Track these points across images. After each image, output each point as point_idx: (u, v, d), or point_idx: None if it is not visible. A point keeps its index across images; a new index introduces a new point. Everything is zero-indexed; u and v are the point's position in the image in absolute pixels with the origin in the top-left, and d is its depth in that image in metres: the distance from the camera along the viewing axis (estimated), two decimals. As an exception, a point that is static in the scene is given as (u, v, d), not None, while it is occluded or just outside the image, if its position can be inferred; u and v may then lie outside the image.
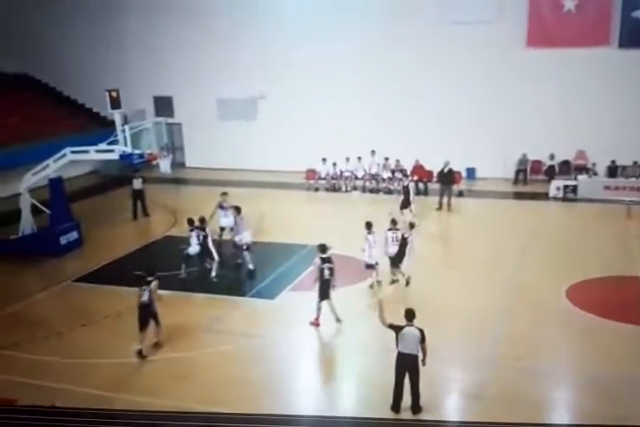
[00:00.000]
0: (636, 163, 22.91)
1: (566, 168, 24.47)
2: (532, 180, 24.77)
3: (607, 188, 22.26)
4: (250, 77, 27.09)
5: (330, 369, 11.76)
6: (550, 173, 24.24)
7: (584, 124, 23.60)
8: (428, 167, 23.76)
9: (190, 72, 28.16)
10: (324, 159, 24.94)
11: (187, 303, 14.21)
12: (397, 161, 24.15)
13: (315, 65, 26.27)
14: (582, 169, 23.83)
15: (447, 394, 10.64)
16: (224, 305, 14.15)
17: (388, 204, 20.23)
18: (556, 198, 22.44)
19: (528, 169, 24.93)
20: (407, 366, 9.62)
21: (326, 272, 12.69)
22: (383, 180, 24.33)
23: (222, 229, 17.64)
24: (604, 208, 20.96)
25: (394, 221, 14.94)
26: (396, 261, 14.67)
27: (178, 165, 29.09)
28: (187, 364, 11.49)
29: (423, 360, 9.65)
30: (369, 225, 14.53)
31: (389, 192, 23.54)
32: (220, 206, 17.50)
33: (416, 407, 9.76)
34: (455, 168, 22.20)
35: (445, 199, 21.42)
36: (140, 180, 21.48)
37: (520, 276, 15.23)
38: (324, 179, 25.04)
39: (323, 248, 12.90)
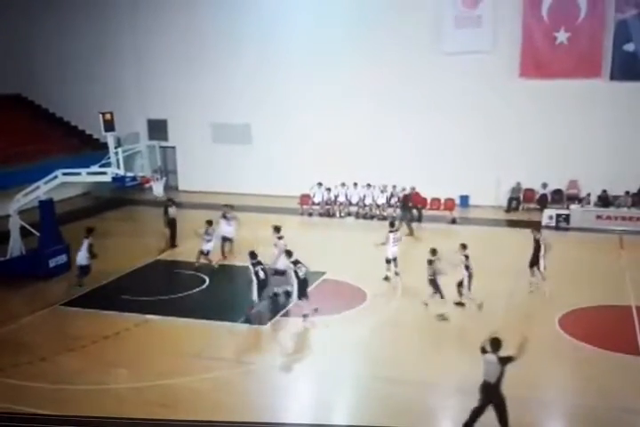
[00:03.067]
0: (627, 193, 23.02)
1: (558, 197, 24.58)
2: (524, 208, 24.85)
3: (599, 217, 22.32)
4: (244, 101, 27.25)
5: (321, 398, 11.50)
6: (543, 202, 24.33)
7: (576, 154, 23.78)
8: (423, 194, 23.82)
9: (185, 95, 28.28)
10: (319, 184, 24.97)
11: (176, 328, 13.96)
12: (394, 187, 24.25)
13: (311, 91, 26.44)
14: (574, 198, 23.93)
15: (438, 423, 10.49)
16: (215, 331, 13.90)
17: (381, 230, 20.10)
18: (548, 227, 22.39)
19: (521, 197, 25.06)
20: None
21: (261, 273, 14.00)
22: (377, 206, 24.31)
23: (224, 239, 18.35)
24: (596, 237, 21.00)
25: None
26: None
27: (171, 188, 29.01)
28: (174, 391, 11.22)
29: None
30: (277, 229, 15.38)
31: (384, 218, 23.48)
32: (224, 216, 18.49)
33: None
34: (449, 195, 22.18)
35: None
36: (174, 208, 20.52)
37: (513, 303, 15.12)
38: (319, 204, 25.02)
39: (252, 254, 14.21)
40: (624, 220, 21.90)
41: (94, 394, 11.17)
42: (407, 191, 23.12)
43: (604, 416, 10.23)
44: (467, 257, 14.49)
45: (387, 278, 16.52)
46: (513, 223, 23.43)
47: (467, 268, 14.36)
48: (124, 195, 26.37)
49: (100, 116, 17.25)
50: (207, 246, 17.75)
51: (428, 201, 23.92)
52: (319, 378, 12.00)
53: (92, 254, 16.26)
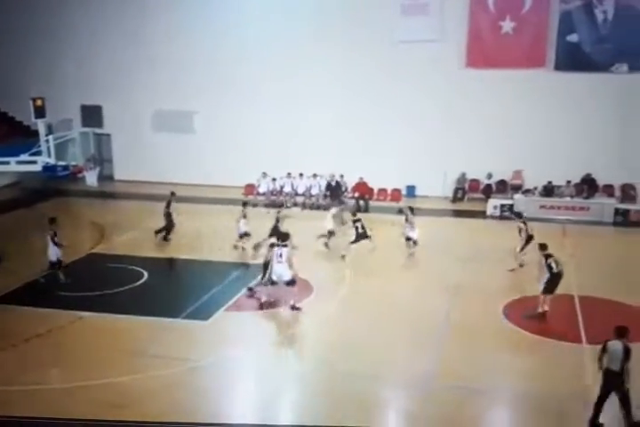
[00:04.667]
0: (569, 182, 23.31)
1: (503, 187, 24.74)
2: (469, 198, 24.91)
3: (542, 207, 22.55)
4: (188, 89, 26.27)
5: (267, 393, 10.98)
6: (487, 192, 24.43)
7: (521, 145, 23.92)
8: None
9: (122, 81, 27.00)
10: (264, 174, 24.37)
11: (114, 325, 13.16)
12: (342, 176, 23.89)
13: (257, 80, 25.67)
14: (518, 188, 24.10)
15: (386, 414, 10.28)
16: (155, 327, 13.16)
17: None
18: (493, 217, 22.60)
19: (466, 187, 25.12)
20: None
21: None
22: (325, 196, 23.88)
23: (243, 235, 17.80)
24: (539, 226, 21.05)
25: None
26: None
27: (105, 177, 27.81)
28: (122, 390, 10.52)
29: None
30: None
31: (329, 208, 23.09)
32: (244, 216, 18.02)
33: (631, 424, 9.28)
34: (396, 186, 22.02)
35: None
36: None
37: (458, 294, 14.99)
38: (264, 194, 24.39)
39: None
40: (567, 209, 22.20)
41: (38, 394, 10.39)
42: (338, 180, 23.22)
43: (548, 404, 10.15)
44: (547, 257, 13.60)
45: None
46: (458, 213, 23.52)
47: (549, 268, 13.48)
48: (55, 185, 25.04)
49: (31, 101, 16.23)
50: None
51: (375, 191, 23.70)
52: (267, 374, 11.49)
53: (59, 245, 15.15)
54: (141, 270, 16.34)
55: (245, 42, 25.48)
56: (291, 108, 25.55)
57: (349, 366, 11.34)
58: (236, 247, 17.90)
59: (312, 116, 25.38)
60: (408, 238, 17.89)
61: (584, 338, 12.40)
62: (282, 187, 24.41)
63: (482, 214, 22.85)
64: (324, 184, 24.09)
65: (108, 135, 28.23)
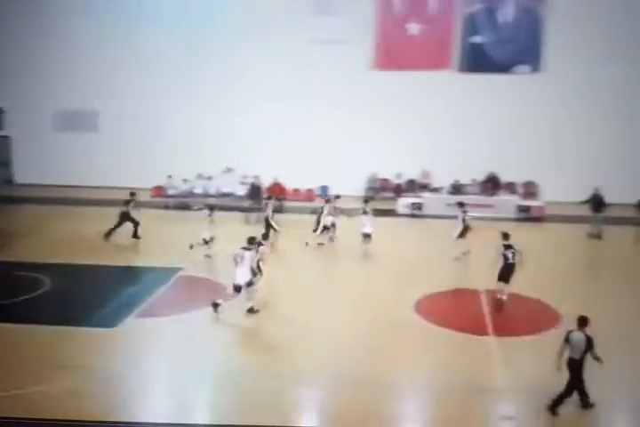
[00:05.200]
0: (474, 180, 24.12)
1: (412, 186, 25.28)
2: (380, 197, 25.30)
3: (450, 205, 23.17)
4: (91, 88, 25.27)
5: (184, 401, 10.65)
6: (397, 191, 24.91)
7: (429, 145, 24.56)
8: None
9: (23, 81, 25.64)
10: (169, 176, 23.81)
11: (16, 335, 12.39)
12: (256, 177, 23.64)
13: (163, 79, 25.10)
14: (427, 187, 24.72)
15: (302, 413, 10.20)
16: (60, 336, 12.49)
17: (240, 222, 19.58)
18: (403, 215, 23.04)
19: (377, 186, 25.47)
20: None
21: None
22: (239, 197, 23.60)
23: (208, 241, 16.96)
24: (447, 224, 21.66)
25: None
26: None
27: (4, 181, 26.28)
28: (27, 402, 9.87)
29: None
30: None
31: (245, 210, 22.87)
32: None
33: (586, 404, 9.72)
34: (309, 186, 22.09)
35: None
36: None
37: (369, 290, 15.18)
38: (174, 196, 23.80)
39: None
40: (473, 206, 22.85)
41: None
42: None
43: (458, 397, 10.34)
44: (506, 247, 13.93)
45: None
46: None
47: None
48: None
49: None
50: None
51: (289, 192, 23.66)
52: (180, 379, 11.13)
53: None
54: (44, 277, 15.51)
55: (152, 41, 24.81)
56: (201, 108, 25.11)
57: (265, 367, 11.20)
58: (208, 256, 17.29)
59: (223, 117, 25.05)
60: (366, 235, 17.91)
61: (490, 330, 12.80)
62: (193, 188, 23.90)
63: (393, 213, 23.27)
64: (243, 186, 23.75)
65: (7, 137, 26.72)
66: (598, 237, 20.05)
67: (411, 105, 24.47)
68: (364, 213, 18.44)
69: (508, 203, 23.10)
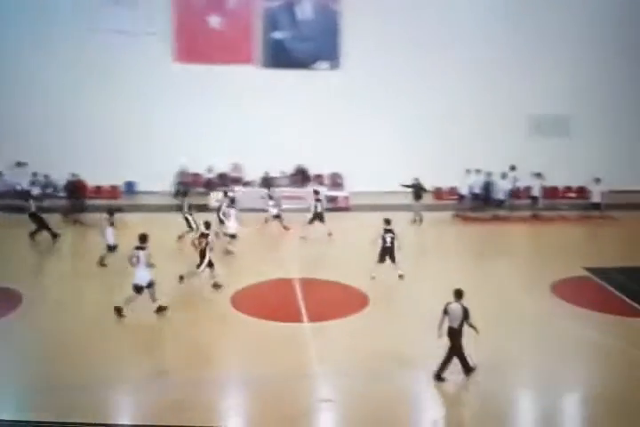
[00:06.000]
0: (284, 173, 24.42)
1: (224, 180, 24.98)
2: (192, 192, 24.62)
3: (262, 198, 23.20)
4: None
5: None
6: (209, 186, 24.45)
7: (238, 138, 24.37)
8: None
9: None
10: None
11: None
12: (46, 176, 22.01)
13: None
14: (238, 181, 24.55)
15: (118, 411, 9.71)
16: None
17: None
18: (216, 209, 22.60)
19: (188, 181, 24.79)
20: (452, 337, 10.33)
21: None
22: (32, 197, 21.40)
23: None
24: (259, 217, 21.73)
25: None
26: None
27: None
28: None
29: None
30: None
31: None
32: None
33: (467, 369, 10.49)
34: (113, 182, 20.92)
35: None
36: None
37: (191, 284, 14.74)
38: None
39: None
40: (284, 198, 23.09)
41: None
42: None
43: (277, 384, 10.42)
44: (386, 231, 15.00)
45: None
46: (181, 208, 23.02)
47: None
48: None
49: None
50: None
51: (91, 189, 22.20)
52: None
53: None
54: None
55: None
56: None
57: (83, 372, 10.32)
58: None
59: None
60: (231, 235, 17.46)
61: (305, 317, 13.02)
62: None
63: (205, 208, 22.76)
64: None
65: None
66: (420, 222, 21.31)
67: (212, 99, 24.03)
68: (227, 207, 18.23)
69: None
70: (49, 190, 22.00)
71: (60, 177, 22.05)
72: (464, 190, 22.49)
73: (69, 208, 20.62)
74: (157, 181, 24.17)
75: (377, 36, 24.29)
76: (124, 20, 23.09)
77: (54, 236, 17.89)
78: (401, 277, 15.14)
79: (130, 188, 24.19)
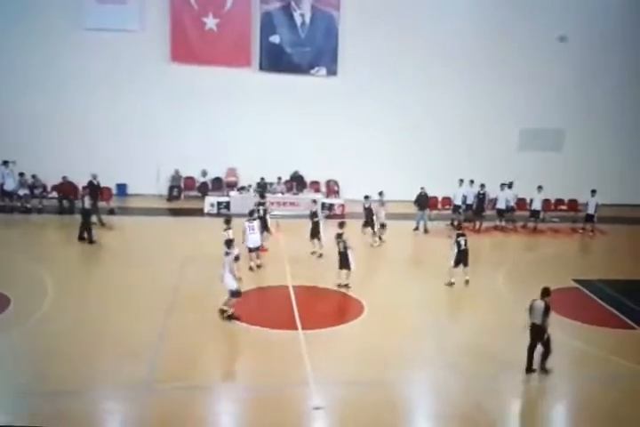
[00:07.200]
0: (280, 179, 24.36)
1: (218, 185, 24.90)
2: (186, 196, 24.58)
3: (258, 203, 23.06)
4: None
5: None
6: (204, 190, 24.35)
7: (234, 143, 24.24)
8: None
9: None
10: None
11: None
12: (33, 176, 21.71)
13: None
14: (234, 186, 24.46)
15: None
16: None
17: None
18: (210, 214, 22.54)
19: (182, 185, 24.72)
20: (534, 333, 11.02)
21: None
22: (19, 197, 21.40)
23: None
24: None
25: (251, 213, 16.57)
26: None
27: None
28: None
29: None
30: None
31: (27, 211, 20.83)
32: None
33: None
34: (106, 184, 20.76)
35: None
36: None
37: (180, 291, 14.52)
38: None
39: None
40: (279, 205, 23.04)
41: None
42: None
43: (270, 392, 10.30)
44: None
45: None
46: (175, 212, 23.06)
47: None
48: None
49: None
50: None
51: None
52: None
53: None
54: None
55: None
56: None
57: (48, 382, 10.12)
58: None
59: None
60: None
61: (299, 325, 12.82)
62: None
63: (199, 212, 22.69)
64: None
65: None
66: (426, 231, 21.29)
67: (210, 101, 23.85)
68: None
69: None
70: (37, 191, 21.84)
71: (50, 178, 21.90)
72: (457, 200, 22.51)
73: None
74: (150, 183, 24.16)
75: (375, 43, 24.28)
76: (121, 18, 22.86)
77: None
78: (345, 286, 15.08)
79: (121, 190, 24.02)
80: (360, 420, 9.53)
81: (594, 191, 22.31)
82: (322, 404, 9.80)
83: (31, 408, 9.42)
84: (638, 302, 14.97)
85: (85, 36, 22.73)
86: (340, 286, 15.14)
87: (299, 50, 24.49)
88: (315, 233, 17.67)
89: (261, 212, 17.91)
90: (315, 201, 19.31)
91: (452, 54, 24.91)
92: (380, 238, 19.57)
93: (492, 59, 25.09)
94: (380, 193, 20.00)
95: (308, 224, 17.83)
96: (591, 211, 22.38)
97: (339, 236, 15.17)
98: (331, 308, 14.56)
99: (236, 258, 12.97)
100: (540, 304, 11.04)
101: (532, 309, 11.10)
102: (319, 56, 24.70)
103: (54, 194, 21.76)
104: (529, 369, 11.17)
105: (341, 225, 15.38)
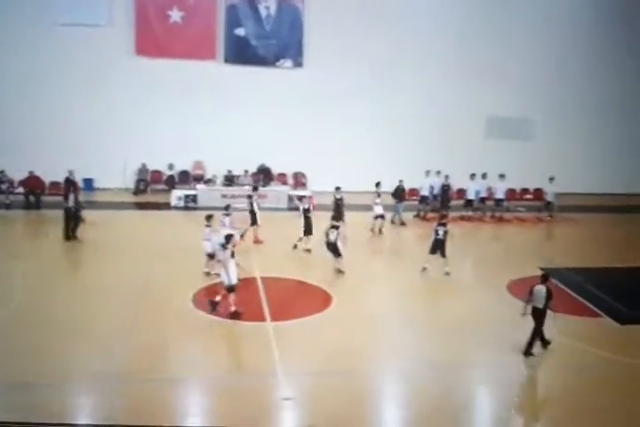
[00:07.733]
0: (246, 171, 24.31)
1: (185, 178, 24.75)
2: (153, 189, 24.38)
3: (224, 196, 22.99)
4: None
5: None
6: (170, 183, 24.19)
7: (200, 136, 24.14)
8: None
9: None
10: None
11: None
12: (1, 172, 21.37)
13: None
14: (200, 179, 24.35)
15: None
16: None
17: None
18: (177, 207, 22.46)
19: (148, 179, 24.52)
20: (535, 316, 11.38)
21: None
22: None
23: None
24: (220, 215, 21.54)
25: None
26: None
27: None
28: None
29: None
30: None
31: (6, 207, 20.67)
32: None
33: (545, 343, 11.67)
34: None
35: None
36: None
37: (149, 285, 14.52)
38: None
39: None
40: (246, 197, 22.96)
41: None
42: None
43: (241, 384, 10.40)
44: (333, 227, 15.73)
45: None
46: (142, 205, 22.95)
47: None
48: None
49: None
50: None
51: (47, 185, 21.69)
52: None
53: None
54: None
55: None
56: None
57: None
58: None
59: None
60: None
61: (268, 316, 12.93)
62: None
63: (166, 206, 22.56)
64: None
65: None
66: (402, 223, 21.39)
67: (176, 94, 23.75)
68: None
69: (280, 193, 23.59)
70: (4, 186, 21.49)
71: (17, 173, 21.57)
72: (425, 191, 22.68)
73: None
74: (116, 177, 23.91)
75: (341, 35, 24.37)
76: (85, 12, 22.58)
77: None
78: (340, 272, 15.63)
79: (88, 184, 23.74)
80: (329, 410, 9.62)
81: (552, 178, 22.77)
82: (291, 395, 9.90)
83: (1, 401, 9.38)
84: (604, 289, 15.07)
85: (56, 31, 22.44)
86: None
87: (264, 42, 24.47)
88: (308, 229, 17.51)
89: (254, 205, 18.22)
90: (300, 198, 19.18)
91: (422, 43, 25.08)
92: (379, 231, 19.80)
93: (462, 48, 25.34)
94: (377, 184, 20.07)
95: (300, 221, 17.71)
96: (550, 198, 22.91)
97: (336, 227, 15.66)
98: (300, 299, 14.70)
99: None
100: (542, 289, 11.40)
101: (532, 294, 11.45)
102: (285, 48, 24.71)
103: (21, 189, 21.37)
104: (545, 343, 11.63)
105: (335, 218, 16.29)
